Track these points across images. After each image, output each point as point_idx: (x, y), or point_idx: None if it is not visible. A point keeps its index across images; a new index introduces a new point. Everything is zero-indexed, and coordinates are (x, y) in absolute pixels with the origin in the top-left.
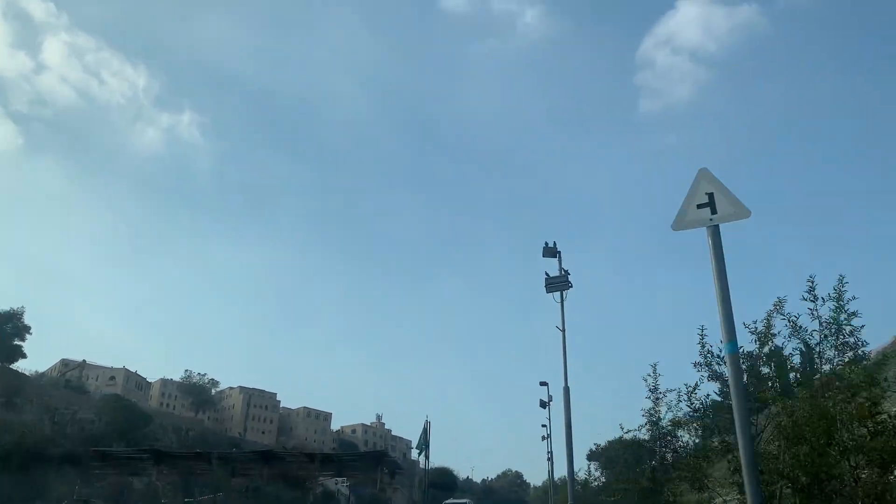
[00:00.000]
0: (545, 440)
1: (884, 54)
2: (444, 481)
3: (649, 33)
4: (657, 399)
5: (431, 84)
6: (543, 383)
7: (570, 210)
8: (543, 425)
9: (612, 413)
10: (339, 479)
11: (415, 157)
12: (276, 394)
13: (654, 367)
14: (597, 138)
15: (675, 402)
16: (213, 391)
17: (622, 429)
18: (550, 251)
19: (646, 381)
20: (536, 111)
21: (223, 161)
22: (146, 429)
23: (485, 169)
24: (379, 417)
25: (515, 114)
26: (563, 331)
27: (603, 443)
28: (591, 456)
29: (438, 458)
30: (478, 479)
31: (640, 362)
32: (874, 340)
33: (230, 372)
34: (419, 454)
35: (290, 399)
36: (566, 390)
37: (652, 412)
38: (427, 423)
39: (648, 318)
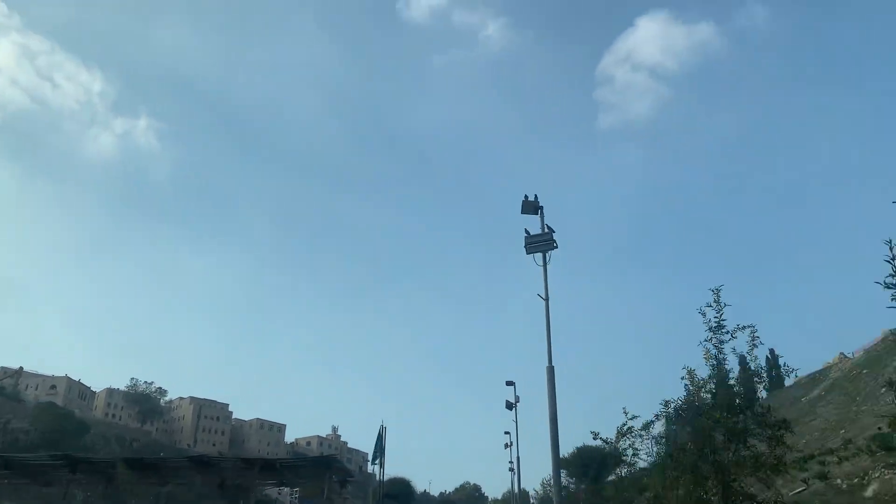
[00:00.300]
0: (508, 448)
1: (835, 74)
2: (401, 492)
3: (609, 50)
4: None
5: (393, 93)
6: (510, 383)
7: (529, 220)
8: (507, 432)
9: (580, 419)
10: (285, 488)
11: (377, 165)
12: (228, 404)
13: (625, 411)
14: (556, 151)
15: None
16: (161, 401)
17: (594, 436)
18: (531, 206)
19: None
20: (497, 122)
21: (180, 167)
22: (84, 439)
23: (446, 179)
24: (335, 429)
25: (476, 124)
26: (547, 300)
27: (571, 449)
28: (560, 463)
29: (396, 470)
30: (436, 492)
31: (603, 365)
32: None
33: (183, 382)
34: (373, 462)
35: (243, 410)
36: (550, 371)
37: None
38: (382, 428)
39: (610, 327)
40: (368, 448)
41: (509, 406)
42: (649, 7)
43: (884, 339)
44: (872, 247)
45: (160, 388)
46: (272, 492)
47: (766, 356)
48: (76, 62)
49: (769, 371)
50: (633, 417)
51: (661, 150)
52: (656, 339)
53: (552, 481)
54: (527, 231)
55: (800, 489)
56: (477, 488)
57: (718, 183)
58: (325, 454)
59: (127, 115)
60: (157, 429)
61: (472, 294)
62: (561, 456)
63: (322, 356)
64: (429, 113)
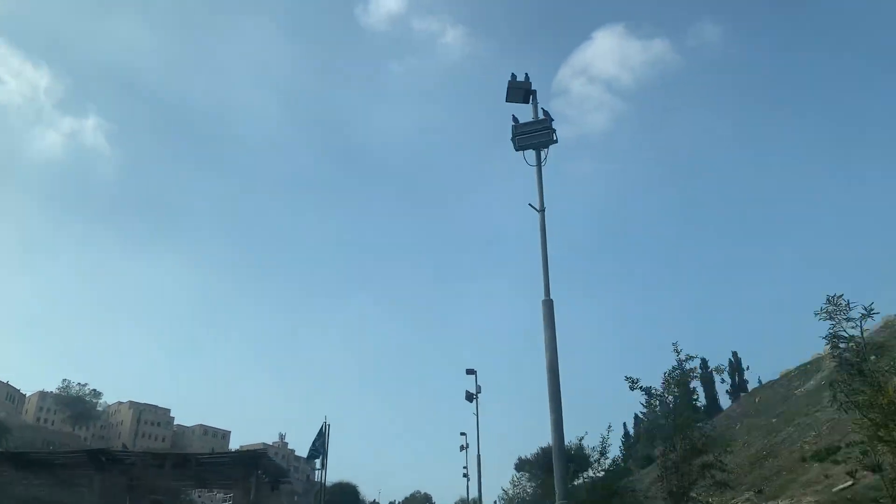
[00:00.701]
0: (465, 450)
1: (785, 93)
2: (346, 500)
3: (566, 62)
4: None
5: (348, 99)
6: (471, 371)
7: (483, 231)
8: (462, 433)
9: (539, 420)
10: (204, 489)
11: (329, 172)
12: (169, 410)
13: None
14: (512, 162)
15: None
16: (97, 404)
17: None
18: (519, 90)
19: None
20: (452, 131)
21: (128, 170)
22: (4, 442)
23: (399, 187)
24: (282, 437)
25: (433, 132)
26: (542, 210)
27: (535, 450)
28: (519, 466)
29: (346, 478)
30: (385, 501)
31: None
32: None
33: (124, 388)
34: (309, 459)
35: (187, 416)
36: (548, 304)
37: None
38: (325, 425)
39: (565, 339)
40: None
41: (470, 397)
42: (606, 21)
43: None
44: (831, 251)
45: (94, 389)
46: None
47: (729, 359)
48: (21, 57)
49: (731, 374)
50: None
51: (615, 163)
52: (613, 350)
53: (553, 449)
54: (515, 118)
55: (846, 484)
56: (428, 497)
57: (669, 196)
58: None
59: (75, 114)
60: (92, 434)
61: (424, 304)
62: (524, 457)
63: (270, 364)
64: (385, 120)
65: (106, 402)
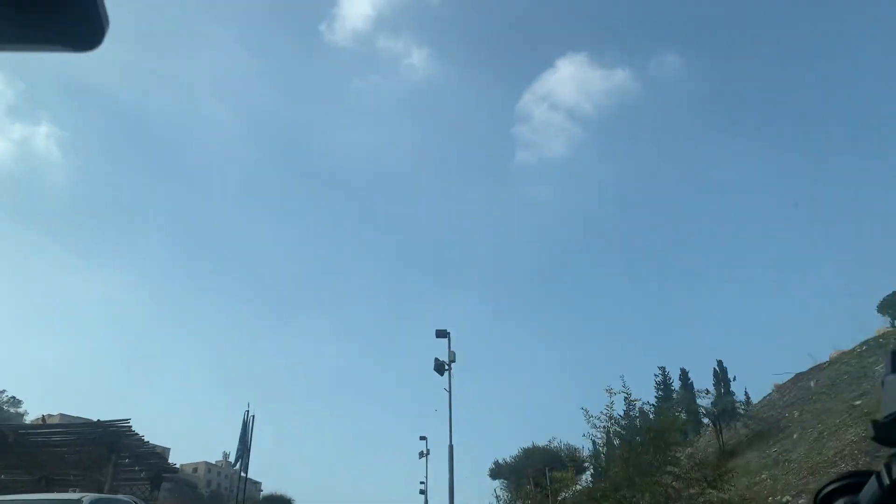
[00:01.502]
0: (424, 457)
1: (745, 128)
2: None
3: (529, 89)
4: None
5: (309, 115)
6: (442, 334)
7: (442, 254)
8: (423, 437)
9: (515, 424)
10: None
11: (287, 188)
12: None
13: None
14: (472, 185)
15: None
16: (17, 413)
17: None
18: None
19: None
20: (414, 152)
21: (80, 179)
22: None
23: (359, 206)
24: (226, 455)
25: (392, 153)
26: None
27: (507, 457)
28: (496, 472)
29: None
30: None
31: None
32: None
33: (59, 401)
34: (235, 463)
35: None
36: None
37: None
38: (248, 415)
39: (523, 366)
40: (263, 476)
41: (440, 369)
42: (568, 49)
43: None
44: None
45: (13, 397)
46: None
47: (714, 368)
48: None
49: (716, 383)
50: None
51: (574, 189)
52: (570, 371)
53: None
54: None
55: None
56: None
57: (628, 219)
58: (218, 487)
59: (26, 120)
60: None
61: (376, 325)
62: (501, 461)
63: (220, 380)
64: (344, 138)
65: (26, 412)
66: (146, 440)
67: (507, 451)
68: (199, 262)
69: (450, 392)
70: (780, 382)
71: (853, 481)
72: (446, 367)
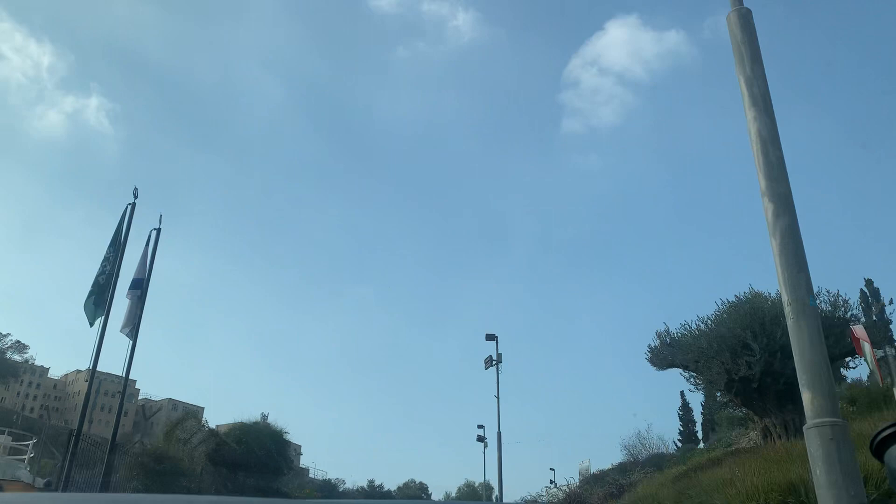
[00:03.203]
0: (483, 443)
1: (804, 91)
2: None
3: (577, 53)
4: None
5: (354, 84)
6: (491, 337)
7: (487, 223)
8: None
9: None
10: None
11: (332, 158)
12: (135, 381)
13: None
14: (517, 153)
15: None
16: (23, 362)
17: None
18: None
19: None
20: (458, 119)
21: (130, 151)
22: None
23: (403, 176)
24: (264, 417)
25: (436, 122)
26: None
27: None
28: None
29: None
30: (376, 489)
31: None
32: None
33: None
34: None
35: (158, 391)
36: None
37: None
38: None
39: (569, 341)
40: (303, 441)
41: (490, 362)
42: (619, 11)
43: None
44: None
45: (18, 341)
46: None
47: (861, 289)
48: (24, 32)
49: (865, 308)
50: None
51: (623, 159)
52: (615, 345)
53: None
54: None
55: None
56: (423, 487)
57: (679, 194)
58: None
59: (77, 93)
60: (41, 405)
61: (421, 296)
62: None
63: (264, 349)
64: (389, 107)
65: (33, 358)
66: None
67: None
68: (245, 232)
69: (497, 395)
70: None
71: None
72: (493, 363)
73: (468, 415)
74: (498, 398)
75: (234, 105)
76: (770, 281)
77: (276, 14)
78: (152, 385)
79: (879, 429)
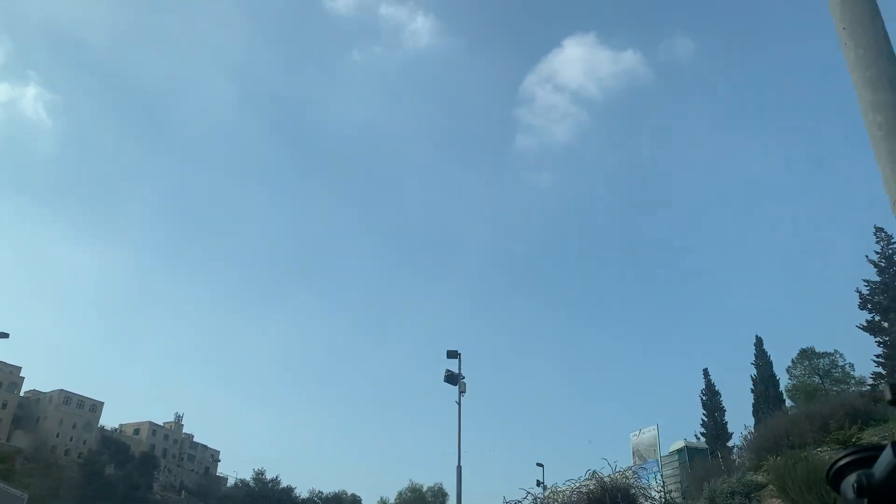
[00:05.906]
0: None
1: (755, 113)
2: None
3: (533, 69)
4: None
5: (306, 86)
6: (453, 354)
7: (434, 233)
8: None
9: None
10: None
11: (281, 160)
12: (20, 368)
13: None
14: (469, 165)
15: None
16: None
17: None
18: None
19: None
20: (412, 126)
21: (68, 146)
22: None
23: (353, 180)
24: (178, 417)
25: (389, 128)
26: (459, 407)
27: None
28: None
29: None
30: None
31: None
32: None
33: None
34: None
35: (48, 382)
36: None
37: None
38: None
39: (514, 357)
40: (220, 446)
41: (452, 378)
42: (577, 29)
43: None
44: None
45: None
46: None
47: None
48: None
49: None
50: None
51: (574, 177)
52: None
53: None
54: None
55: None
56: (356, 499)
57: (627, 209)
58: (164, 453)
59: (13, 81)
60: None
61: (366, 302)
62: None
63: (200, 354)
64: (341, 111)
65: None
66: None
67: None
68: (184, 232)
69: (459, 406)
70: None
71: (866, 455)
72: (458, 384)
73: (424, 425)
74: (459, 423)
75: (181, 101)
76: None
77: (228, 10)
78: (48, 378)
79: (836, 458)
